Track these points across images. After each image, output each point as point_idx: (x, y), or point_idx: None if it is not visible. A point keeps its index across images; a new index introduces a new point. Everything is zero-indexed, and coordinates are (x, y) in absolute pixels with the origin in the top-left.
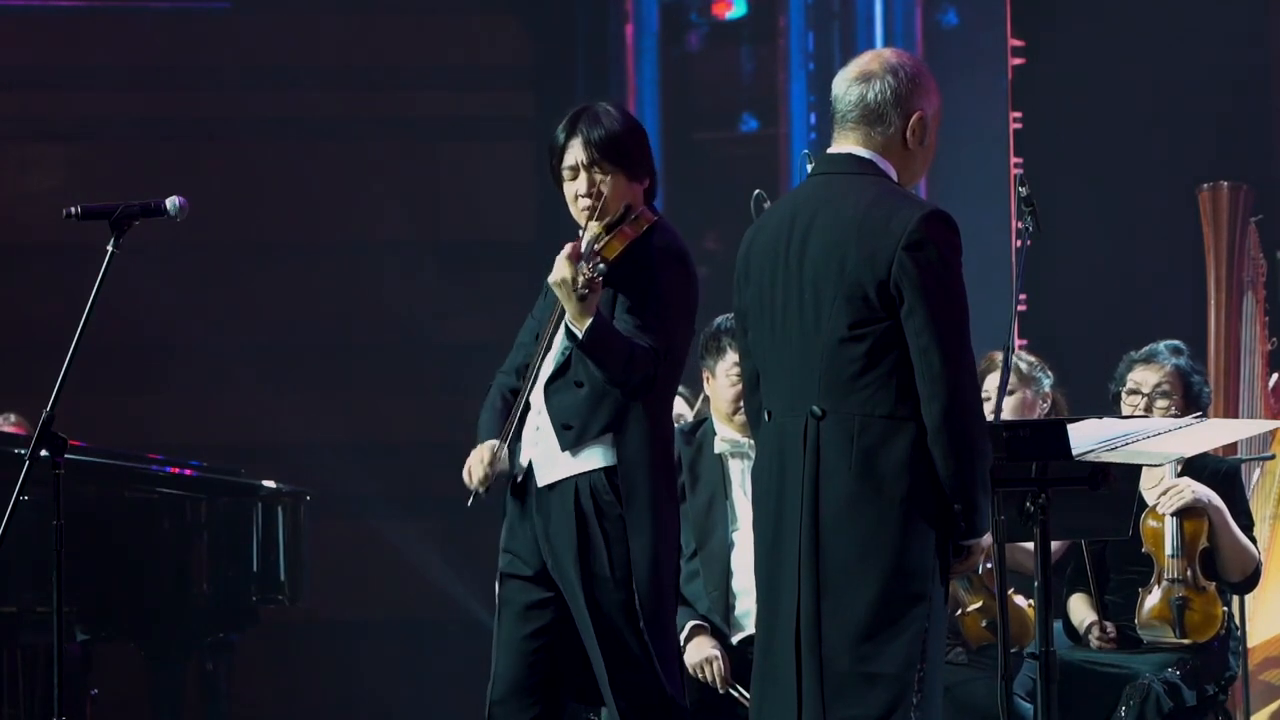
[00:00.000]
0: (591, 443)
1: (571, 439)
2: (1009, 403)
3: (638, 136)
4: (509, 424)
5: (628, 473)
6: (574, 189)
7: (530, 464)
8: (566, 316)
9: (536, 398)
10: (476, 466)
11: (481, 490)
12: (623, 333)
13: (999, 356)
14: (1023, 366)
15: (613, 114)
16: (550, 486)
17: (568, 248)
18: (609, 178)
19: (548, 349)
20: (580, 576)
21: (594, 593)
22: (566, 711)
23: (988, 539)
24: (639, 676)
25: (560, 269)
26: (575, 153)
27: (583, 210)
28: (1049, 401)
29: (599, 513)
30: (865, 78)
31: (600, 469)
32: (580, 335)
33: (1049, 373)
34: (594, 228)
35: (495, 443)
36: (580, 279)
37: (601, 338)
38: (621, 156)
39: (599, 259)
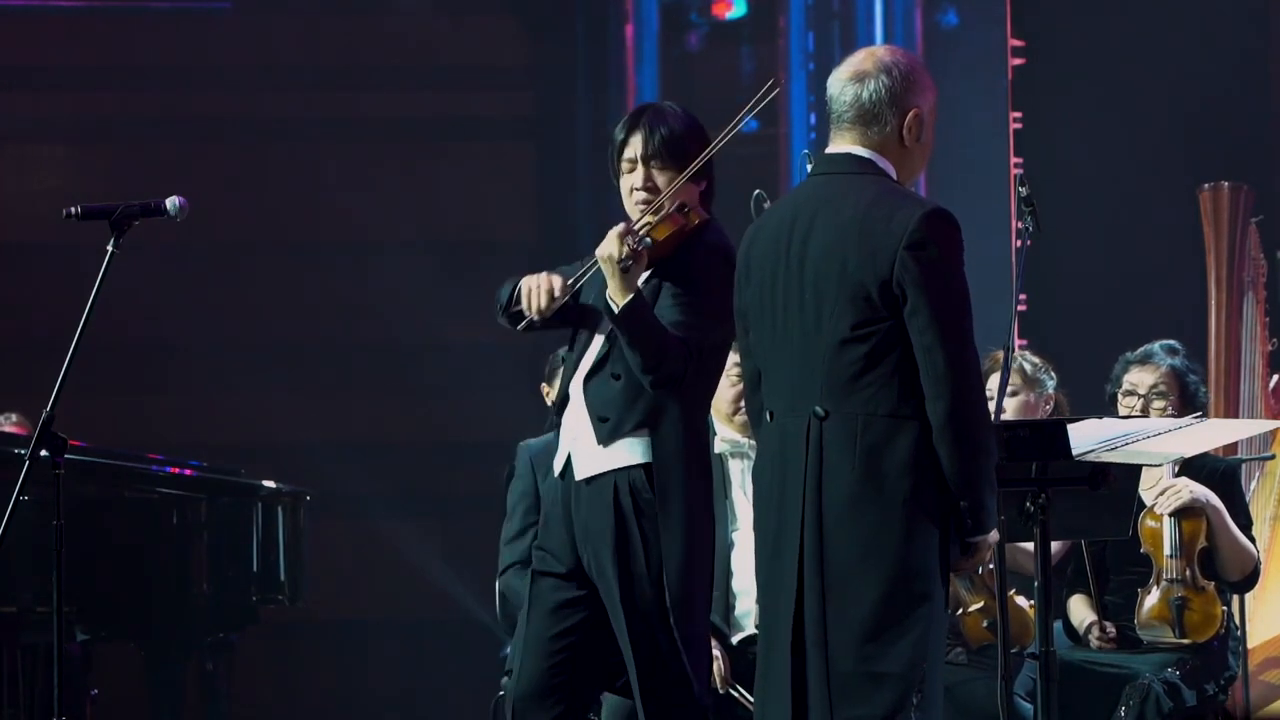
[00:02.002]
0: (628, 437)
1: (607, 432)
2: (1012, 405)
3: (699, 138)
4: (574, 282)
5: (663, 471)
6: (630, 181)
7: (569, 457)
8: (608, 291)
9: (575, 390)
10: (543, 295)
11: (537, 319)
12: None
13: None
14: (1027, 368)
15: (677, 113)
16: (589, 481)
17: (620, 225)
18: (665, 174)
19: (588, 343)
20: (618, 575)
21: (631, 591)
22: (590, 709)
23: (994, 535)
24: (669, 676)
25: (608, 243)
26: (635, 146)
27: (638, 204)
28: (1052, 404)
29: (638, 511)
30: (859, 77)
31: (639, 465)
32: (617, 309)
33: (1053, 375)
34: (646, 217)
35: (565, 280)
36: (625, 250)
37: (639, 316)
38: (680, 155)
39: (646, 235)
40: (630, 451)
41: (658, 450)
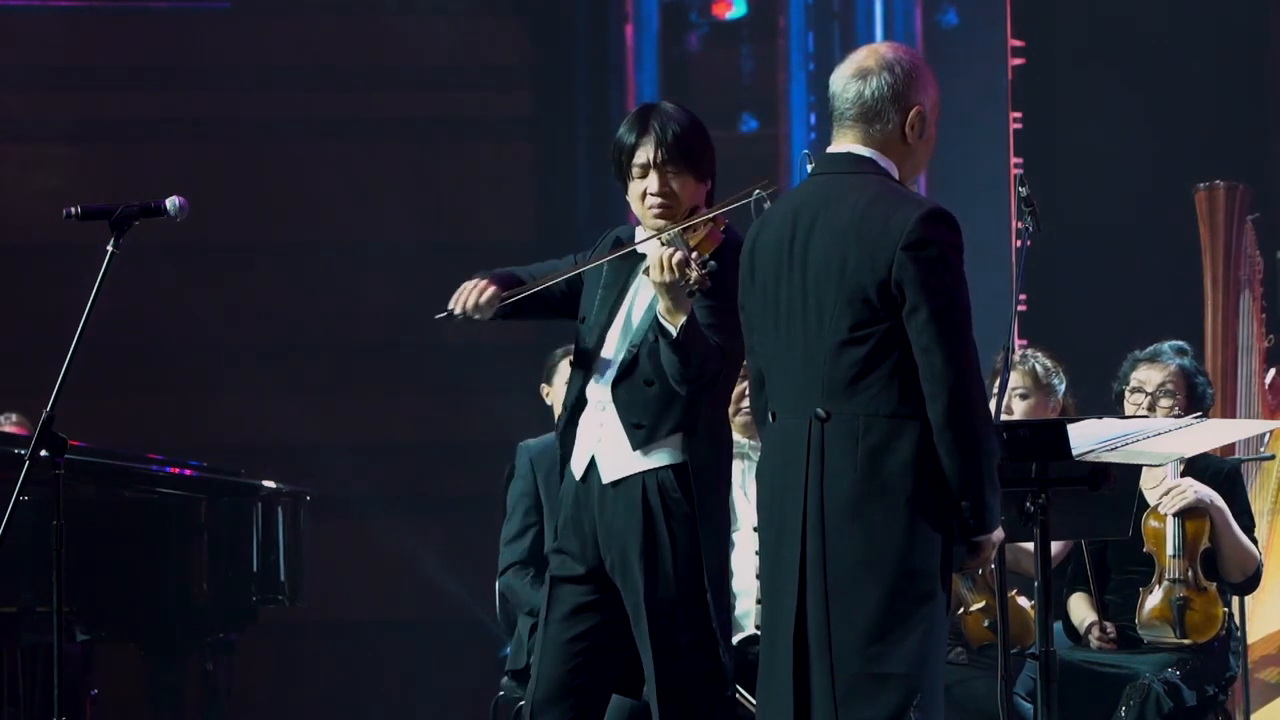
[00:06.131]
0: (662, 440)
1: (643, 438)
2: (1020, 408)
3: (703, 137)
4: (518, 291)
5: (701, 472)
6: (643, 186)
7: (593, 459)
8: (659, 311)
9: (598, 394)
10: (474, 295)
11: (459, 316)
12: None
13: (1016, 356)
14: (1039, 370)
15: (679, 114)
16: (615, 483)
17: (676, 252)
18: (680, 177)
19: (602, 338)
20: (644, 572)
21: (655, 591)
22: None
23: (999, 534)
24: (696, 674)
25: (668, 269)
26: (647, 151)
27: (651, 209)
28: (1060, 410)
29: (667, 511)
30: (862, 74)
31: (668, 466)
32: (675, 333)
33: (1064, 378)
34: (666, 225)
35: (497, 290)
36: (693, 277)
37: (693, 335)
38: (691, 156)
39: (703, 258)
40: (661, 455)
41: (694, 452)
